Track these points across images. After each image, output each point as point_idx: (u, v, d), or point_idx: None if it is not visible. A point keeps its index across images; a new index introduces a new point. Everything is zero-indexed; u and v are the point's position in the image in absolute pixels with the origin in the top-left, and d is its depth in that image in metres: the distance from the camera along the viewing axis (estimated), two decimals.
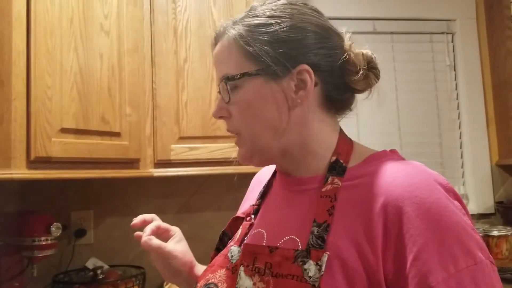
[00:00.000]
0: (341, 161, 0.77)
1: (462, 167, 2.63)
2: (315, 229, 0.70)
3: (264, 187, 0.92)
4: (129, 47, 1.70)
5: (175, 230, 0.99)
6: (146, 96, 1.79)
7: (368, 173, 0.73)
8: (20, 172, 1.28)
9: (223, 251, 0.86)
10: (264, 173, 1.01)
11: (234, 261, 0.78)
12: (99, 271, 1.80)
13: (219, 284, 0.77)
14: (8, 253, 1.60)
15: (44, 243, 1.59)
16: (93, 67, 1.53)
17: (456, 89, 2.67)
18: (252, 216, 0.88)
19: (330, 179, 0.75)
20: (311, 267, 0.66)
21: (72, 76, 1.45)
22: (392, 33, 2.63)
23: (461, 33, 2.66)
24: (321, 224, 0.70)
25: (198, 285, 0.83)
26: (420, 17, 2.65)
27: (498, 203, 2.49)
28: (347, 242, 0.67)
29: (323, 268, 0.65)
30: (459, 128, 2.65)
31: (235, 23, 0.81)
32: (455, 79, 2.68)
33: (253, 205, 0.90)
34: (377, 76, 0.80)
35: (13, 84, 1.28)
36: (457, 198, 0.68)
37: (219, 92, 0.83)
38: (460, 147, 2.64)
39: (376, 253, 0.64)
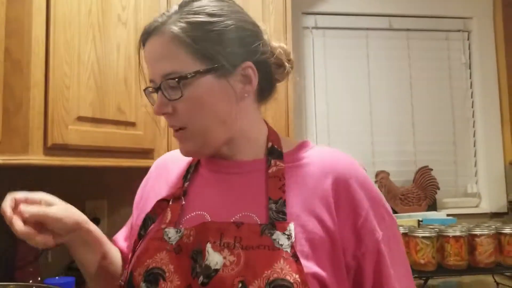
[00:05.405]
0: (276, 146, 0.87)
1: (475, 165, 2.62)
2: (273, 206, 0.79)
3: (186, 171, 0.93)
4: None
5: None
6: None
7: (308, 156, 0.86)
8: (37, 158, 1.31)
9: (153, 235, 0.83)
10: (171, 160, 1.01)
11: (173, 242, 0.78)
12: None
13: (164, 267, 0.76)
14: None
15: None
16: (110, 57, 1.55)
17: (471, 87, 2.66)
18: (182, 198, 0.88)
19: (273, 162, 0.85)
20: (280, 237, 0.74)
21: (90, 66, 1.47)
22: (408, 30, 2.63)
23: (477, 31, 2.65)
24: (277, 200, 0.79)
25: (135, 274, 0.79)
26: (436, 15, 2.64)
27: (511, 203, 2.47)
28: (306, 212, 0.78)
29: (293, 235, 0.74)
30: (473, 126, 2.64)
31: (171, 18, 0.81)
32: (470, 78, 2.67)
33: (180, 188, 0.90)
34: (292, 66, 0.91)
35: (32, 72, 1.30)
36: None
37: (156, 90, 0.82)
38: (474, 146, 2.63)
39: (332, 216, 0.78)
